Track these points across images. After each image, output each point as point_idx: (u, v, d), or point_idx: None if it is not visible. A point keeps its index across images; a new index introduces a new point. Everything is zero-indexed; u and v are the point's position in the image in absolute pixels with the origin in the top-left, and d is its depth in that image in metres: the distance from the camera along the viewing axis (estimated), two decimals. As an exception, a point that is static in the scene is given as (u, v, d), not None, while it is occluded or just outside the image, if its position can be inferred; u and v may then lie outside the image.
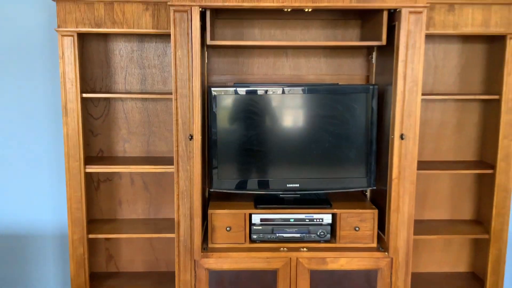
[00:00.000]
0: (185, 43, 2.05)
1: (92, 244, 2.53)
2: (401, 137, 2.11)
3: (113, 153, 2.60)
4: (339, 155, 2.31)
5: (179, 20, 2.04)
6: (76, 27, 2.22)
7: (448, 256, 2.72)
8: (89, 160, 2.45)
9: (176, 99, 2.10)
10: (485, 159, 2.54)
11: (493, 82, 2.44)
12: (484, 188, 2.55)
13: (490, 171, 2.41)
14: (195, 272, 2.20)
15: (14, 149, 2.62)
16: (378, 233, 2.29)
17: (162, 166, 2.37)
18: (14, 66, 2.56)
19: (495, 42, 2.42)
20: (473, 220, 2.66)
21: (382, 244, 2.26)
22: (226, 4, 2.03)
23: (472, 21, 2.26)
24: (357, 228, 2.26)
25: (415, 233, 2.33)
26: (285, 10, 2.09)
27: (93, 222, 2.54)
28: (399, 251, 2.22)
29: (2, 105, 2.58)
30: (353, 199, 2.45)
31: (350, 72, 2.53)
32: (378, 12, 2.15)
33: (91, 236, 2.39)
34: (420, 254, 2.71)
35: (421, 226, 2.54)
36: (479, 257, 2.62)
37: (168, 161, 2.43)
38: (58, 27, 2.21)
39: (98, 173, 2.56)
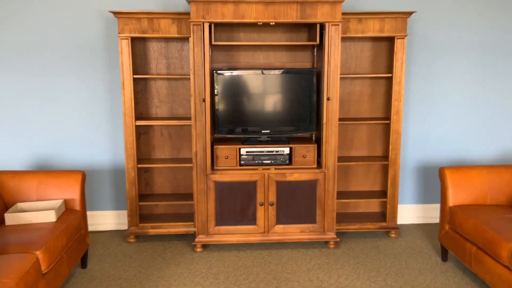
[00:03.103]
0: (199, 44, 3.44)
1: (137, 175, 3.92)
2: (328, 99, 3.55)
3: (149, 115, 3.99)
4: (294, 112, 3.74)
5: (196, 30, 3.42)
6: (130, 34, 3.59)
7: (368, 179, 4.18)
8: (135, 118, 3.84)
9: (194, 78, 3.49)
10: (387, 115, 4.00)
11: (390, 66, 3.88)
12: (386, 133, 4.01)
13: (388, 122, 3.87)
14: (206, 182, 3.61)
15: (85, 113, 3.99)
16: (317, 159, 3.73)
17: (182, 121, 3.78)
18: (83, 59, 3.91)
19: (389, 41, 3.87)
20: (381, 156, 4.12)
21: (319, 165, 3.71)
22: (224, 20, 3.42)
23: (373, 28, 3.70)
24: (304, 156, 3.69)
25: (345, 161, 3.80)
26: (259, 23, 3.50)
27: (137, 160, 3.92)
28: (329, 169, 3.66)
29: (76, 86, 3.94)
30: (303, 140, 3.89)
31: (301, 60, 3.96)
32: (314, 24, 3.56)
33: (138, 165, 3.79)
34: (350, 178, 4.17)
35: (349, 159, 4.00)
36: (384, 178, 4.08)
37: (185, 119, 3.83)
38: (119, 33, 3.58)
39: (139, 127, 3.94)
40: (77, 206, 3.32)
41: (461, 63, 4.09)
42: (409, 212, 4.30)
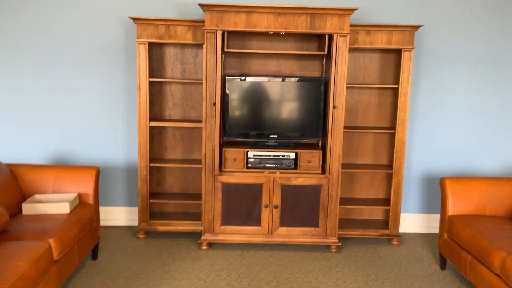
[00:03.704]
0: (212, 50, 3.61)
1: (149, 173, 4.10)
2: (334, 107, 3.67)
3: (163, 117, 4.16)
4: (301, 118, 3.87)
5: (209, 37, 3.59)
6: (147, 39, 3.78)
7: (372, 187, 4.28)
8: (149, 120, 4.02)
9: (206, 82, 3.66)
10: (393, 125, 4.09)
11: (397, 77, 3.99)
12: (392, 143, 4.10)
13: (393, 131, 3.97)
14: (214, 183, 3.76)
15: (102, 113, 4.19)
16: (322, 164, 3.85)
17: (194, 123, 3.95)
18: (104, 61, 4.12)
19: (397, 53, 3.98)
20: (386, 165, 4.21)
21: (323, 170, 3.82)
22: (236, 29, 3.58)
23: (381, 41, 3.81)
24: (310, 161, 3.82)
25: (351, 169, 3.92)
26: (270, 32, 3.65)
27: (150, 159, 4.10)
28: (333, 175, 3.78)
29: (94, 86, 4.15)
30: (309, 146, 4.01)
31: (311, 69, 4.09)
32: (324, 34, 3.70)
33: (151, 164, 3.97)
34: (354, 185, 4.27)
35: (354, 167, 4.10)
36: (389, 187, 4.17)
37: (197, 121, 3.99)
38: (137, 38, 3.77)
39: (153, 128, 4.12)
40: (91, 200, 3.50)
41: (467, 75, 4.17)
42: (413, 221, 4.37)
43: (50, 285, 2.73)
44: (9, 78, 4.11)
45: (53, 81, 4.12)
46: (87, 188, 3.49)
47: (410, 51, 3.79)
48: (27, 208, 3.18)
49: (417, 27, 3.74)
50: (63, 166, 3.57)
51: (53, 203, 3.20)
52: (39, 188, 3.45)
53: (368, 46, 3.82)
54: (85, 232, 3.27)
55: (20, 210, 3.26)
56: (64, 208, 3.20)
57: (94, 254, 3.59)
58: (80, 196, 3.47)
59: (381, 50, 4.04)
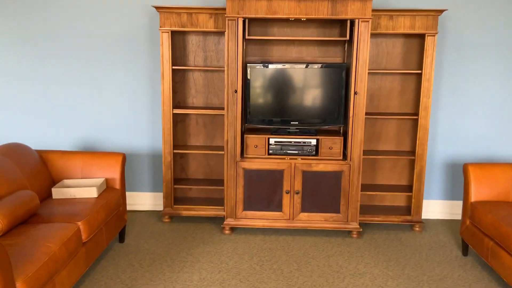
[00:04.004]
0: (234, 38, 3.64)
1: (172, 159, 4.19)
2: (355, 93, 3.67)
3: (186, 104, 4.24)
4: (323, 105, 3.88)
5: (231, 25, 3.63)
6: (170, 27, 3.84)
7: (394, 174, 4.27)
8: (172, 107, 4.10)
9: (228, 70, 3.70)
10: (416, 111, 4.06)
11: (421, 62, 3.94)
12: (415, 129, 4.07)
13: (416, 117, 3.94)
14: (236, 169, 3.83)
15: (127, 100, 4.29)
16: (343, 151, 3.86)
17: (216, 111, 4.01)
18: (128, 50, 4.21)
19: (421, 38, 3.93)
20: (409, 151, 4.19)
21: (345, 157, 3.84)
22: (257, 16, 3.60)
23: (403, 25, 3.77)
24: (331, 148, 3.83)
25: (373, 155, 3.92)
26: (291, 19, 3.66)
27: (174, 146, 4.19)
28: (354, 161, 3.79)
29: (119, 74, 4.25)
30: (331, 132, 4.03)
31: (333, 55, 4.08)
32: (345, 20, 3.68)
33: (174, 151, 4.06)
34: (377, 172, 4.27)
35: (376, 153, 4.10)
36: (411, 173, 4.15)
37: (219, 108, 4.05)
38: (160, 27, 3.84)
39: (177, 115, 4.19)
40: (117, 185, 3.61)
41: (491, 61, 4.09)
42: (436, 208, 4.35)
43: (79, 266, 2.85)
44: (37, 69, 4.25)
45: (79, 70, 4.24)
46: (114, 173, 3.60)
47: (434, 35, 3.74)
48: (57, 193, 3.32)
49: (441, 11, 3.69)
50: (90, 153, 3.69)
51: (82, 188, 3.32)
52: (68, 173, 3.58)
53: (390, 31, 3.79)
54: (112, 215, 3.39)
55: (50, 195, 3.40)
56: (92, 193, 3.32)
57: (121, 237, 3.71)
58: (107, 181, 3.59)
59: (404, 35, 4.00)
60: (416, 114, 3.98)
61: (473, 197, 3.40)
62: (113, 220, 3.43)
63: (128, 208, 4.28)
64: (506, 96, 4.14)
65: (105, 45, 4.19)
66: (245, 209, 3.88)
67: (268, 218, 3.88)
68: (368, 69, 3.82)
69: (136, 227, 4.02)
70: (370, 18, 3.56)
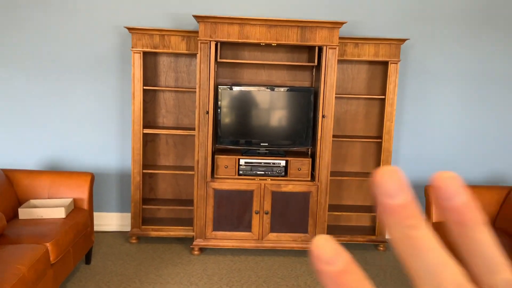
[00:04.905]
0: (206, 60, 3.72)
1: (141, 179, 4.18)
2: (323, 116, 3.80)
3: (156, 124, 4.25)
4: (292, 127, 3.99)
5: (203, 48, 3.70)
6: (142, 48, 3.88)
7: (360, 194, 4.41)
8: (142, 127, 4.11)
9: (199, 91, 3.76)
10: (380, 134, 4.24)
11: (384, 88, 4.13)
12: (379, 151, 4.24)
13: (380, 140, 4.11)
14: (206, 189, 3.86)
15: (96, 119, 4.27)
16: (311, 172, 3.97)
17: (186, 131, 4.04)
18: (98, 69, 4.21)
19: (384, 65, 4.13)
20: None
21: (313, 178, 3.94)
22: (229, 40, 3.70)
23: (368, 53, 3.96)
24: (299, 169, 3.93)
25: (339, 176, 4.03)
26: (261, 44, 3.78)
27: (143, 166, 4.18)
28: (322, 182, 3.90)
29: (89, 93, 4.23)
30: (299, 154, 4.13)
31: (301, 79, 4.22)
32: (313, 46, 3.83)
33: (144, 171, 4.05)
34: (343, 192, 4.40)
35: (342, 174, 4.23)
36: (376, 194, 4.29)
37: (190, 129, 4.09)
38: (132, 47, 3.87)
39: (147, 135, 4.21)
40: (85, 205, 3.57)
41: (451, 87, 4.33)
42: (399, 228, 4.50)
43: (47, 288, 2.79)
44: (4, 85, 4.17)
45: (48, 88, 4.19)
46: (82, 193, 3.56)
47: (396, 63, 3.94)
48: (24, 213, 3.25)
49: (403, 40, 3.90)
50: (58, 172, 3.64)
51: (49, 208, 3.27)
52: (35, 193, 3.52)
53: (356, 58, 3.96)
54: (80, 236, 3.34)
55: (16, 215, 3.32)
56: (59, 213, 3.27)
57: (88, 259, 3.65)
58: (75, 201, 3.54)
59: (369, 62, 4.19)
60: (380, 137, 4.15)
61: (434, 218, 3.57)
62: (80, 241, 3.38)
63: (95, 228, 4.21)
64: (465, 121, 4.39)
65: (75, 64, 4.18)
66: (214, 229, 3.91)
67: (238, 239, 3.92)
68: (335, 94, 3.97)
69: (103, 248, 3.97)
70: (337, 45, 3.73)
